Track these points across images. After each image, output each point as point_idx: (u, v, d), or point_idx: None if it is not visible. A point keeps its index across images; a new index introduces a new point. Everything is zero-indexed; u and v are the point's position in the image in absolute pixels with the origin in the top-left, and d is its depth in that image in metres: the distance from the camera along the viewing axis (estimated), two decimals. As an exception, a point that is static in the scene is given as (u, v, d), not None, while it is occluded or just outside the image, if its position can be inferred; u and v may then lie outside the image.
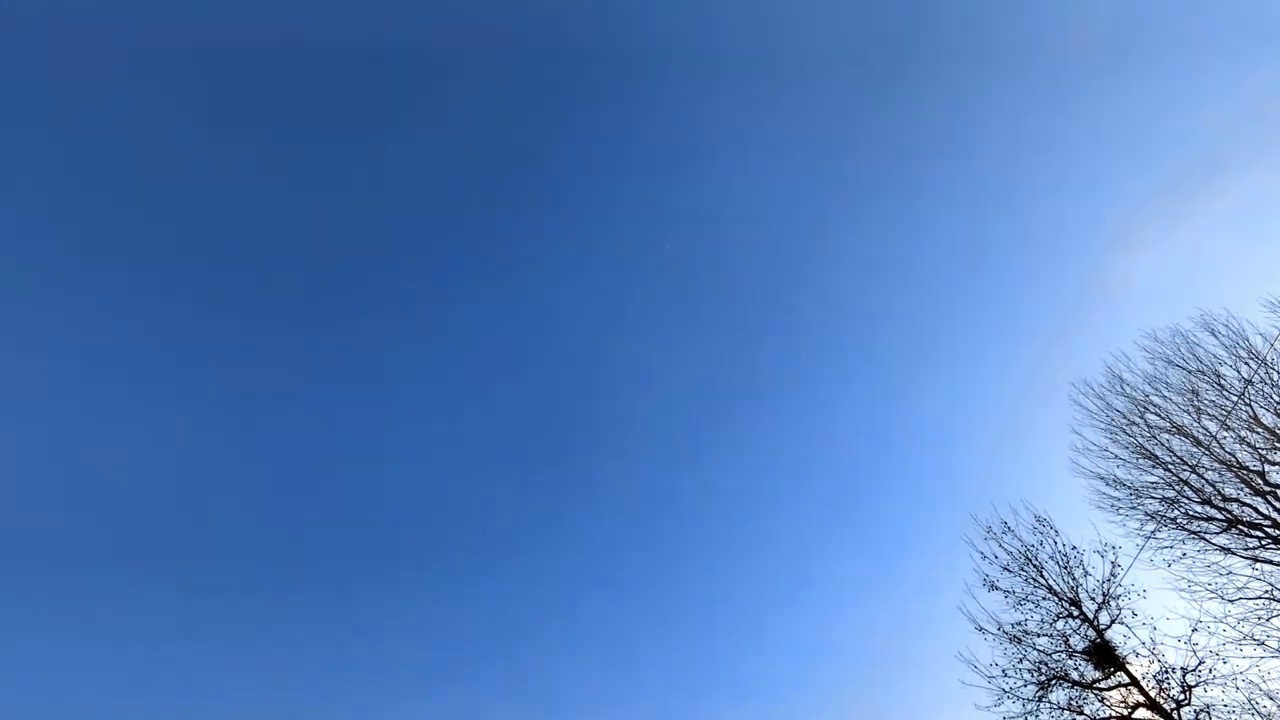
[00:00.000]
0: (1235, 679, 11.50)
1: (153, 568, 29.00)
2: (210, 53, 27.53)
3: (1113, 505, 13.32)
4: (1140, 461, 13.11)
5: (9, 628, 25.03)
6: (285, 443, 32.53)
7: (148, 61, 26.89)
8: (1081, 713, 12.26)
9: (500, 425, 35.61)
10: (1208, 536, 12.40)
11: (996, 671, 12.68)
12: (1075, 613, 12.70)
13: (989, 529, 13.63)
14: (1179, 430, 12.66)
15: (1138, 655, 12.15)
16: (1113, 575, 12.58)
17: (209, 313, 30.54)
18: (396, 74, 30.73)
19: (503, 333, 35.45)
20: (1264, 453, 11.93)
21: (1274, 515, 11.81)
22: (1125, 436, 13.24)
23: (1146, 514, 12.92)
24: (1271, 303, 12.17)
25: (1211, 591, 12.15)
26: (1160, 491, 12.83)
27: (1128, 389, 13.43)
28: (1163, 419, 12.88)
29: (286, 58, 28.95)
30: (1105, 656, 12.28)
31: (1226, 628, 11.80)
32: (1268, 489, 11.89)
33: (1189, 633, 11.79)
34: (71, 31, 24.86)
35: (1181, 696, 11.62)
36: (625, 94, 32.88)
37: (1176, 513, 12.64)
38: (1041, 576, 13.01)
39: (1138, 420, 13.10)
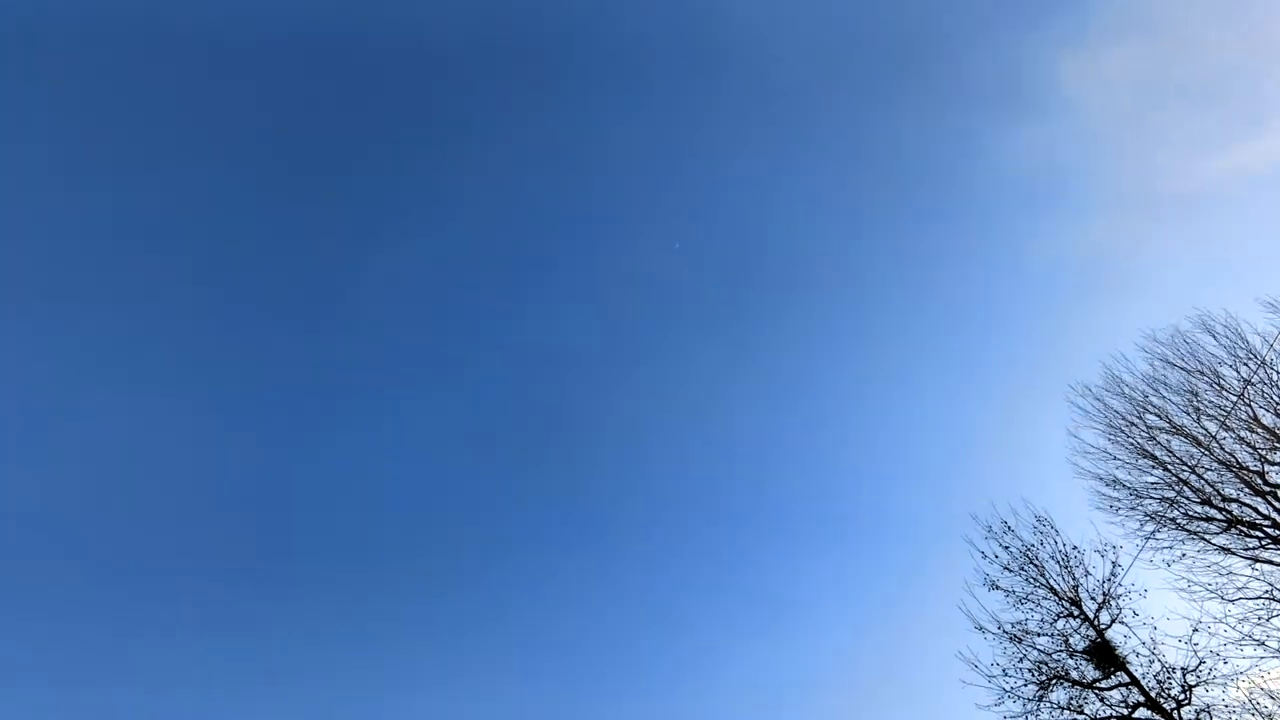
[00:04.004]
0: (1235, 679, 11.51)
1: (147, 565, 29.02)
2: (208, 52, 27.67)
3: (1112, 506, 13.36)
4: (1140, 462, 13.15)
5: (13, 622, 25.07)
6: (282, 442, 32.56)
7: (144, 60, 27.03)
8: (1082, 712, 12.26)
9: (499, 425, 35.65)
10: (1208, 537, 12.43)
11: (997, 671, 12.69)
12: (1075, 612, 12.71)
13: (989, 528, 13.66)
14: (1178, 431, 12.70)
15: (1138, 655, 12.17)
16: (1113, 575, 12.61)
17: (203, 311, 30.63)
18: (401, 72, 30.89)
19: (502, 331, 35.51)
20: (1263, 453, 11.97)
21: (1274, 515, 11.83)
22: (1124, 437, 13.28)
23: (1146, 514, 12.95)
24: (1270, 303, 12.23)
25: (1211, 591, 12.17)
26: (1160, 492, 12.87)
27: (1126, 390, 13.48)
28: (1162, 419, 12.92)
29: (290, 56, 29.11)
30: (1105, 656, 12.29)
31: (1226, 628, 11.81)
32: (1267, 489, 11.92)
33: (1189, 633, 11.80)
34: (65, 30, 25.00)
35: (1182, 696, 11.62)
36: (633, 91, 33.03)
37: (1176, 513, 12.68)
38: (1042, 576, 13.03)
39: (1137, 421, 13.14)
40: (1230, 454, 12.21)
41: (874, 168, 33.66)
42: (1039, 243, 32.90)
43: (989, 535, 13.59)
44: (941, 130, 32.44)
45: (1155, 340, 13.41)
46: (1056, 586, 12.86)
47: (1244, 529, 12.09)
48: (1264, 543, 11.92)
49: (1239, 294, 12.69)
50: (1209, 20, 28.34)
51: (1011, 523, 13.51)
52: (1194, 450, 12.57)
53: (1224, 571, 12.21)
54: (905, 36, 31.06)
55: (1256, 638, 11.62)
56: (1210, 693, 11.56)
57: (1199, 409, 12.61)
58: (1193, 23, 28.77)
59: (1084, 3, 29.96)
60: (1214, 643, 11.71)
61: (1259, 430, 11.93)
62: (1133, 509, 13.14)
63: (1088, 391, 14.10)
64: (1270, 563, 11.89)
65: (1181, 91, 29.81)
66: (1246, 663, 11.55)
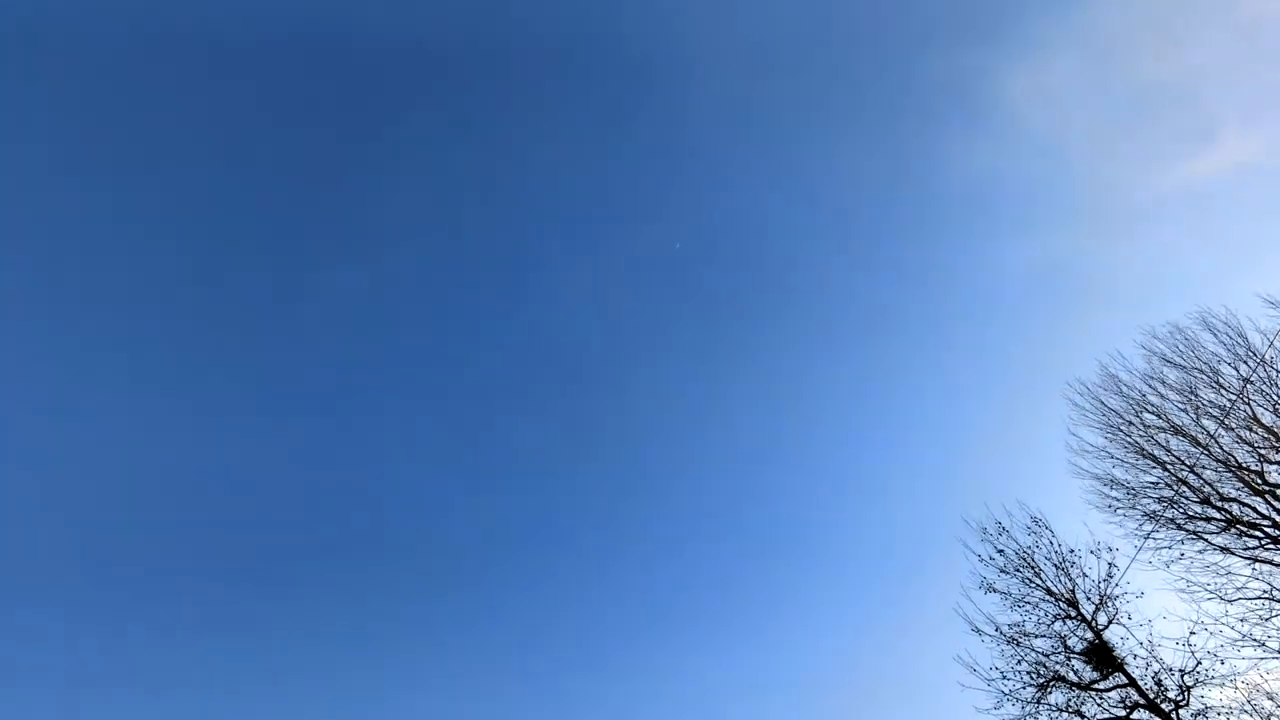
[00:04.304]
0: (1234, 679, 11.43)
1: (147, 565, 29.17)
2: (207, 53, 27.53)
3: (1111, 506, 13.22)
4: (1138, 461, 13.00)
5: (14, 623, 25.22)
6: (281, 441, 32.60)
7: (145, 60, 26.90)
8: (1080, 714, 12.22)
9: (498, 425, 35.63)
10: (1206, 536, 12.29)
11: (995, 674, 12.66)
12: (1073, 614, 12.64)
13: (985, 531, 13.57)
14: (1177, 430, 12.55)
15: (1136, 656, 12.10)
16: (1110, 576, 12.52)
17: (204, 312, 30.63)
18: (403, 73, 30.72)
19: (504, 331, 35.41)
20: (1263, 452, 11.81)
21: (1273, 515, 11.70)
22: (1122, 436, 13.13)
23: (1145, 514, 12.81)
24: (1270, 300, 12.04)
25: (1210, 592, 12.05)
26: (1158, 491, 12.72)
27: (1124, 388, 13.32)
28: (1160, 418, 12.76)
29: (287, 57, 28.95)
30: (1103, 657, 12.23)
31: (1225, 628, 11.72)
32: (1266, 488, 11.78)
33: (1187, 633, 11.73)
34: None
35: (1180, 697, 11.57)
36: (634, 94, 32.80)
37: (1175, 513, 12.54)
38: (1038, 578, 12.95)
39: (1135, 420, 12.99)
40: (1229, 453, 12.06)
41: (845, 174, 33.55)
42: (1002, 253, 32.93)
43: (984, 538, 13.53)
44: (892, 142, 32.58)
45: (1154, 337, 13.23)
46: (1053, 588, 12.79)
47: (1243, 529, 11.96)
48: (1263, 543, 11.79)
49: (1238, 291, 12.54)
50: (1151, 36, 28.49)
51: (1006, 524, 13.45)
52: (1193, 449, 12.42)
53: (1223, 571, 12.09)
54: (848, 50, 31.12)
55: (1255, 638, 11.53)
56: (1209, 693, 11.51)
57: (1198, 408, 12.45)
58: (1136, 38, 28.94)
59: (1027, 17, 30.08)
60: (1212, 643, 11.66)
61: (1258, 429, 11.78)
62: (1131, 508, 13.02)
63: (1085, 389, 13.96)
64: (1269, 563, 11.77)
65: (1129, 106, 30.02)
66: (1245, 663, 11.48)
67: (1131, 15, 28.76)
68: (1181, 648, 11.66)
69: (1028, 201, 32.21)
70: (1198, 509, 12.35)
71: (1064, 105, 30.22)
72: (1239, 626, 11.64)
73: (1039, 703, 12.34)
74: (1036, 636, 12.70)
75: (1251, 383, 11.92)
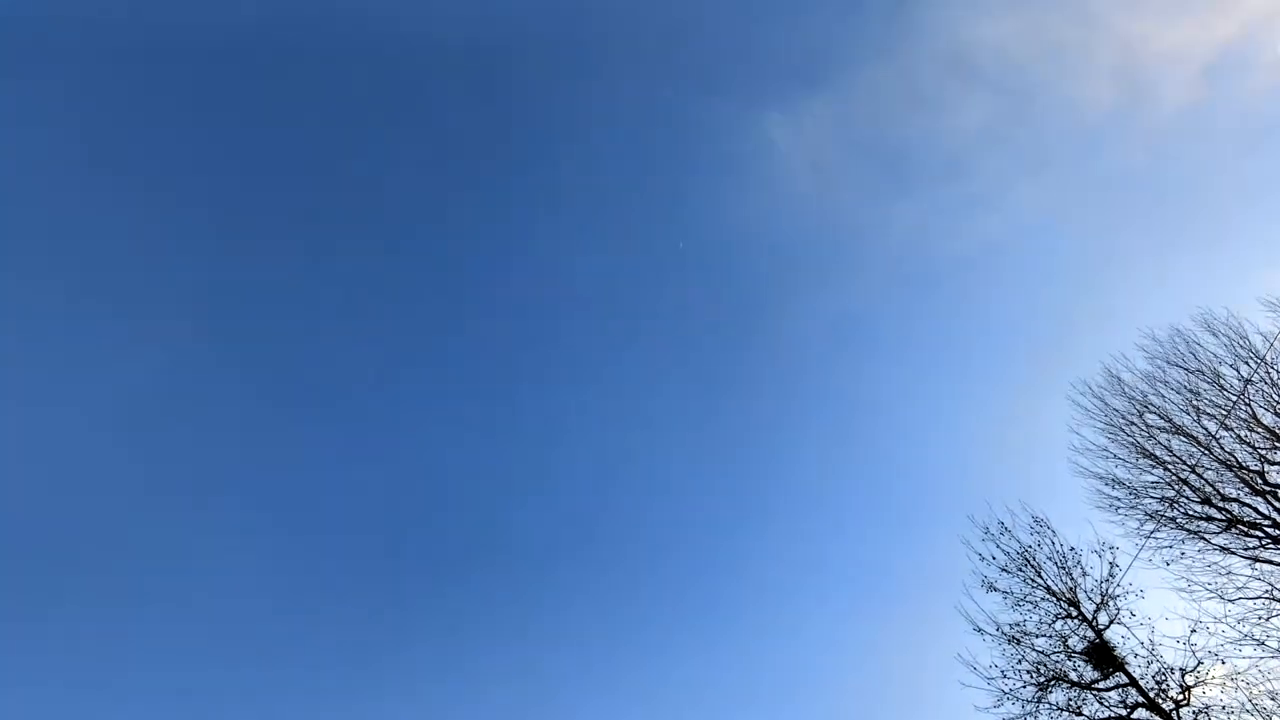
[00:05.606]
0: (1235, 679, 11.48)
1: (159, 565, 29.18)
2: (207, 53, 27.58)
3: (1112, 505, 13.28)
4: (1140, 461, 13.07)
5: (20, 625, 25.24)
6: (302, 442, 32.60)
7: (148, 59, 26.95)
8: (1080, 713, 12.26)
9: (497, 424, 35.67)
10: (1207, 536, 12.35)
11: (995, 673, 12.69)
12: (1074, 613, 12.69)
13: (987, 530, 13.63)
14: (1178, 430, 12.61)
15: (1136, 655, 12.14)
16: (1111, 575, 12.58)
17: (225, 315, 30.65)
18: (408, 68, 30.77)
19: (513, 330, 35.42)
20: (1263, 452, 11.87)
21: (1274, 515, 11.76)
22: (1124, 436, 13.20)
23: (1146, 514, 12.87)
24: (1271, 302, 12.11)
25: (1211, 591, 12.11)
26: (1160, 491, 12.79)
27: (1127, 389, 13.38)
28: (1162, 419, 12.82)
29: (288, 62, 29.00)
30: (1104, 657, 12.27)
31: (1226, 628, 11.77)
32: (1267, 489, 11.84)
33: (1188, 633, 11.77)
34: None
35: (1180, 696, 11.61)
36: (637, 91, 32.86)
37: (1176, 512, 12.60)
38: (1040, 577, 13.01)
39: (1137, 420, 13.05)
40: (1230, 453, 12.13)
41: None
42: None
43: (986, 537, 13.58)
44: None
45: (1155, 339, 13.30)
46: (1054, 588, 12.84)
47: (1244, 529, 12.02)
48: (1264, 542, 11.85)
49: (1240, 293, 12.60)
50: (912, 101, 28.67)
51: (1009, 524, 13.50)
52: (1194, 450, 12.48)
53: (1224, 571, 12.15)
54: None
55: (1256, 638, 11.58)
56: (1209, 693, 11.55)
57: (1199, 408, 12.51)
58: (894, 102, 29.10)
59: (780, 76, 30.12)
60: (1213, 642, 11.70)
61: (1259, 430, 11.84)
62: (1133, 508, 13.08)
63: (1088, 390, 14.02)
64: (1270, 562, 11.82)
65: (892, 167, 30.19)
66: (1246, 663, 11.53)
67: (888, 79, 28.88)
68: (1182, 646, 11.72)
69: (792, 254, 32.65)
70: (1198, 509, 12.42)
71: (825, 164, 30.53)
72: (1239, 626, 11.71)
73: (1039, 702, 12.38)
74: (1037, 636, 12.75)
75: (1252, 383, 11.98)
